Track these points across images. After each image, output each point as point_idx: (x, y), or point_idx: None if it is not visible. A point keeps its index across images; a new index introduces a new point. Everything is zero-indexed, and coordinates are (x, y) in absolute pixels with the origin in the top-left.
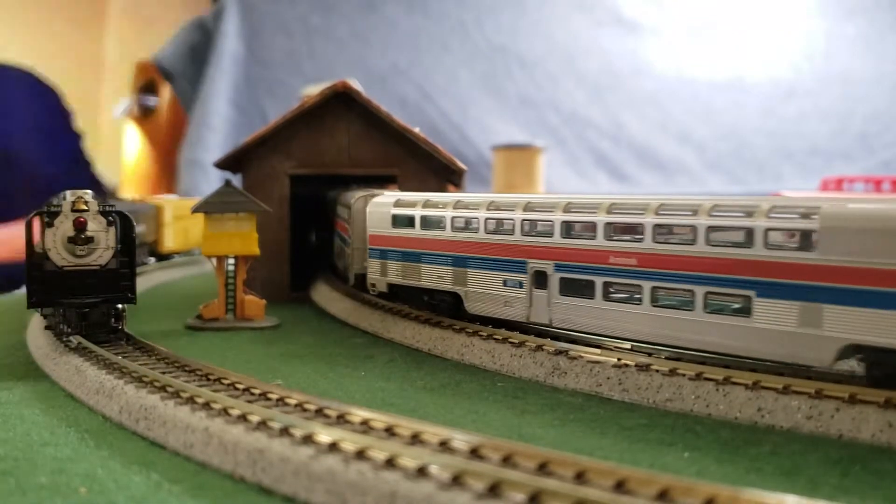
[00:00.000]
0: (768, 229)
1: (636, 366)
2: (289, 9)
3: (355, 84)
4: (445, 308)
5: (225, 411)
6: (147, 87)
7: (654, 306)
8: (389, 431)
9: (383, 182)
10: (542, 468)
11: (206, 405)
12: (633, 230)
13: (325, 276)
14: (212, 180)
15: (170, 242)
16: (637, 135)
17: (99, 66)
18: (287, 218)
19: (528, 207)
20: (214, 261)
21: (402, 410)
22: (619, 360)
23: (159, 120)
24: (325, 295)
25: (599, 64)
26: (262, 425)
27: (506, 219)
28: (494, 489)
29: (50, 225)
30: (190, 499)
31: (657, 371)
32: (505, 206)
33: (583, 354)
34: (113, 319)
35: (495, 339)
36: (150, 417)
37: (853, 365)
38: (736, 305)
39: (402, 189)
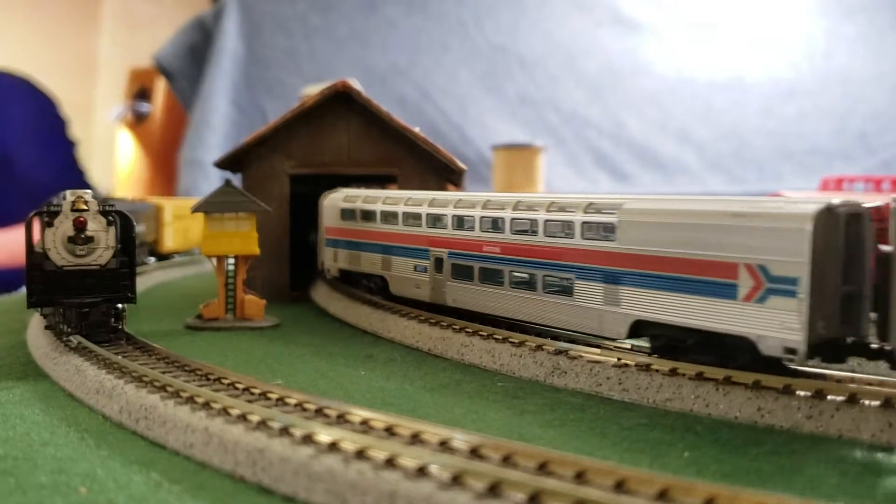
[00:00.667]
0: (584, 223)
1: (636, 365)
2: (288, 8)
3: (355, 84)
4: (377, 290)
5: (225, 411)
6: (140, 94)
7: (512, 287)
8: (389, 431)
9: (383, 181)
10: (542, 468)
11: (206, 405)
12: (497, 223)
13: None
14: (212, 180)
15: (170, 242)
16: (637, 134)
17: (93, 70)
18: (287, 217)
19: (432, 203)
20: (214, 260)
21: (402, 410)
22: (619, 359)
23: (153, 126)
24: (324, 294)
25: (599, 63)
26: (262, 425)
27: (416, 213)
28: (494, 489)
29: (50, 225)
30: (190, 498)
31: (657, 371)
32: (416, 201)
33: (583, 354)
34: (113, 319)
35: (495, 338)
36: (150, 417)
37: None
38: (563, 286)
39: (402, 188)
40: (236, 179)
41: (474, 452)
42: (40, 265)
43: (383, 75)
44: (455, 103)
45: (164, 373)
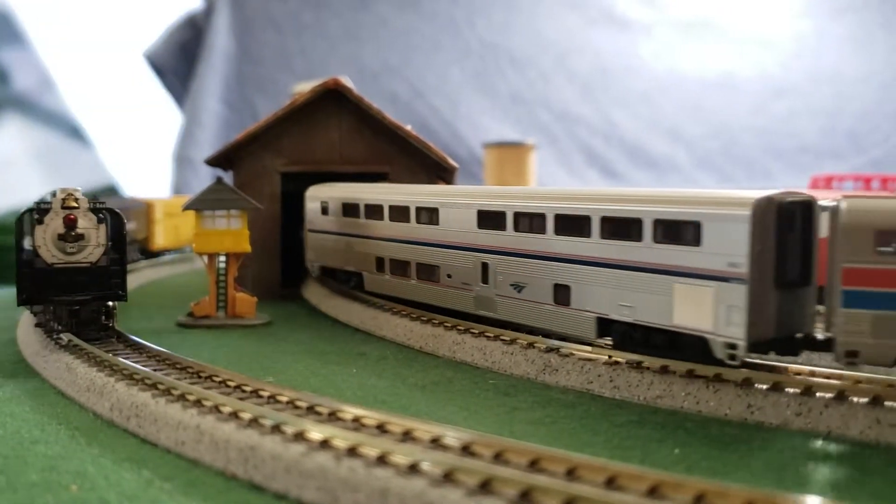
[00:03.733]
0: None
1: (627, 363)
2: (280, 5)
3: (347, 81)
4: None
5: (216, 408)
6: None
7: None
8: (381, 428)
9: (375, 179)
10: (534, 465)
11: (198, 402)
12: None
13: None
14: (202, 177)
15: (160, 240)
16: (628, 132)
17: None
18: (278, 215)
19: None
20: (205, 258)
21: (394, 407)
22: (610, 357)
23: None
24: (316, 292)
25: (591, 62)
26: (254, 422)
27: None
28: (486, 486)
29: (40, 222)
30: (181, 496)
31: (648, 368)
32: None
33: (574, 352)
34: (104, 317)
35: (486, 336)
36: (141, 415)
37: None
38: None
39: None
40: (227, 177)
41: (466, 449)
42: (30, 263)
43: (375, 73)
44: (447, 101)
45: (155, 370)
